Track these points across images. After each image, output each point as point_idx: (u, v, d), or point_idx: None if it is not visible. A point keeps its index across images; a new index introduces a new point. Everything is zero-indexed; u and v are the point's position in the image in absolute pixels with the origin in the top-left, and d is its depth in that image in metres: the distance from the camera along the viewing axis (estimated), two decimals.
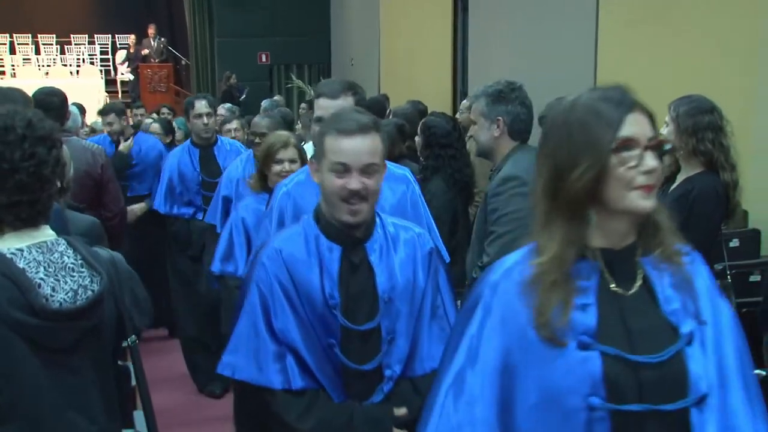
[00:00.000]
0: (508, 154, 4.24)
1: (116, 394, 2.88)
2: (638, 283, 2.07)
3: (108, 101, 19.85)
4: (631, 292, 2.06)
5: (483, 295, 2.11)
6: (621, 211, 2.00)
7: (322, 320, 2.93)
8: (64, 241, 2.62)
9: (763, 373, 4.06)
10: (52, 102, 5.89)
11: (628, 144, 1.96)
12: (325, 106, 3.69)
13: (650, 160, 1.97)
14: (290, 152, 4.89)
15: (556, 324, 1.97)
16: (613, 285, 2.05)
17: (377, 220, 3.09)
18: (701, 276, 2.15)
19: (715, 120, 4.38)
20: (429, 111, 7.63)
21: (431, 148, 5.92)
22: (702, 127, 4.36)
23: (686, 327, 2.04)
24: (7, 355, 2.47)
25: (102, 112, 8.97)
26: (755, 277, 4.86)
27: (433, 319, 3.10)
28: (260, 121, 6.47)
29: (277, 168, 4.84)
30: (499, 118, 4.21)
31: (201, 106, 6.86)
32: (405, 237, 3.10)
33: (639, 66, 8.16)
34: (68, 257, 2.60)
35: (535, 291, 2.02)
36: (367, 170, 2.87)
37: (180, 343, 7.24)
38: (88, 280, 2.61)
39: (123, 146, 7.95)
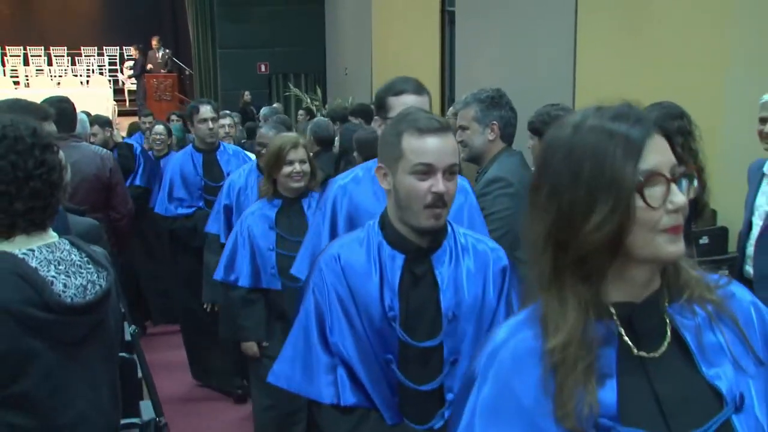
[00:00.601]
0: (494, 156, 4.24)
1: (119, 385, 2.88)
2: (667, 340, 1.58)
3: (116, 109, 19.96)
4: (659, 353, 1.57)
5: (477, 371, 1.62)
6: (645, 260, 1.53)
7: (380, 334, 2.59)
8: (66, 241, 2.63)
9: None
10: (66, 109, 5.90)
11: (653, 178, 1.48)
12: (411, 102, 3.19)
13: (678, 196, 1.50)
14: (300, 153, 4.59)
15: (582, 413, 1.48)
16: (635, 349, 1.56)
17: (449, 229, 2.69)
18: (743, 307, 1.66)
19: (685, 125, 4.39)
20: None
21: None
22: (673, 131, 4.37)
23: (732, 387, 1.56)
24: (24, 350, 2.47)
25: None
26: (723, 272, 4.86)
27: None
28: (267, 132, 5.95)
29: (287, 169, 4.54)
30: (494, 122, 4.21)
31: (206, 111, 6.56)
32: (477, 250, 2.70)
33: (614, 75, 8.20)
34: (74, 255, 2.61)
35: (550, 375, 1.52)
36: (450, 171, 2.51)
37: (183, 340, 7.03)
38: (95, 275, 2.63)
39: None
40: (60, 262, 2.56)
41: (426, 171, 2.48)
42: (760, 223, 4.30)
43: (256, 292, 4.69)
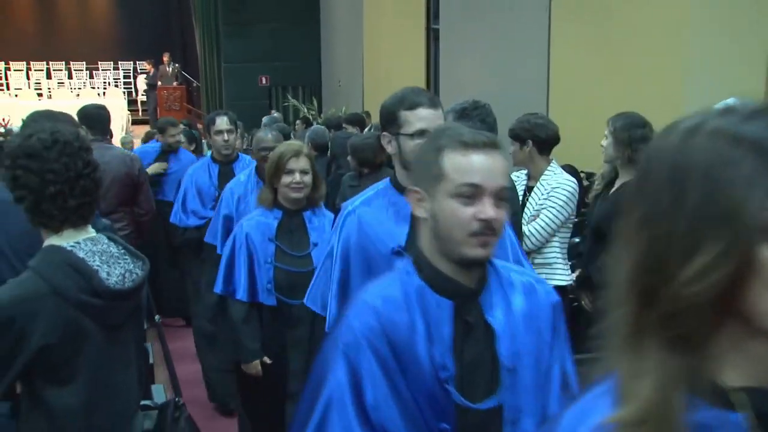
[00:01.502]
0: None
1: (144, 366, 2.97)
2: None
3: (130, 118, 20.05)
4: None
5: None
6: None
7: (431, 399, 1.96)
8: (104, 236, 2.69)
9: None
10: (101, 114, 6.10)
11: None
12: (428, 117, 2.71)
13: None
14: (302, 162, 4.03)
15: None
16: None
17: (487, 265, 2.07)
18: None
19: (647, 133, 4.40)
20: None
21: None
22: (636, 139, 4.38)
23: None
24: (80, 331, 2.54)
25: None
26: None
27: (564, 392, 2.07)
28: (265, 135, 5.44)
29: (287, 179, 4.01)
30: None
31: (222, 122, 6.10)
32: (522, 285, 2.10)
33: (583, 87, 8.22)
34: (113, 248, 2.68)
35: None
36: (500, 195, 1.94)
37: (194, 342, 6.53)
38: (132, 265, 2.69)
39: (157, 166, 7.67)
40: (102, 253, 2.61)
41: (472, 194, 1.93)
42: None
43: (252, 307, 4.13)
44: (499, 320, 2.01)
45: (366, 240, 2.74)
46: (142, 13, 24.00)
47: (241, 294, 4.06)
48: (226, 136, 6.13)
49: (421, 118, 2.71)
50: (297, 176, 4.00)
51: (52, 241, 2.56)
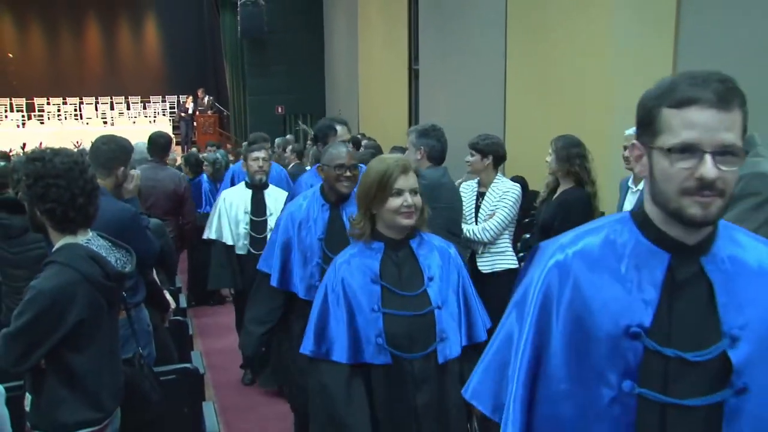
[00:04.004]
0: (422, 170, 4.17)
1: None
2: None
3: (174, 140, 20.17)
4: None
5: None
6: None
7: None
8: (96, 233, 2.70)
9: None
10: (160, 141, 6.16)
11: None
12: (704, 123, 1.34)
13: None
14: (412, 180, 2.52)
15: None
16: None
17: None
18: None
19: (582, 151, 4.44)
20: (393, 146, 7.64)
21: None
22: (573, 155, 4.41)
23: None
24: (99, 308, 2.57)
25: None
26: None
27: None
28: (340, 151, 3.49)
29: (395, 202, 2.47)
30: (422, 147, 4.19)
31: (342, 130, 4.44)
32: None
33: (533, 115, 8.25)
34: (103, 242, 2.70)
35: None
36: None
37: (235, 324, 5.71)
38: (119, 254, 2.72)
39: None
40: (101, 247, 2.64)
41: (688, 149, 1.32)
42: None
43: (355, 371, 2.44)
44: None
45: (584, 310, 1.46)
46: (182, 57, 23.99)
47: (340, 354, 2.44)
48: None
49: (692, 122, 1.34)
50: (408, 198, 2.48)
51: (67, 240, 2.57)
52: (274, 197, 5.28)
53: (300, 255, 3.43)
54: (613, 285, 1.44)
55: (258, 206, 5.27)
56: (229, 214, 5.28)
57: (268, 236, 4.92)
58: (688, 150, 1.33)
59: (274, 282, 3.43)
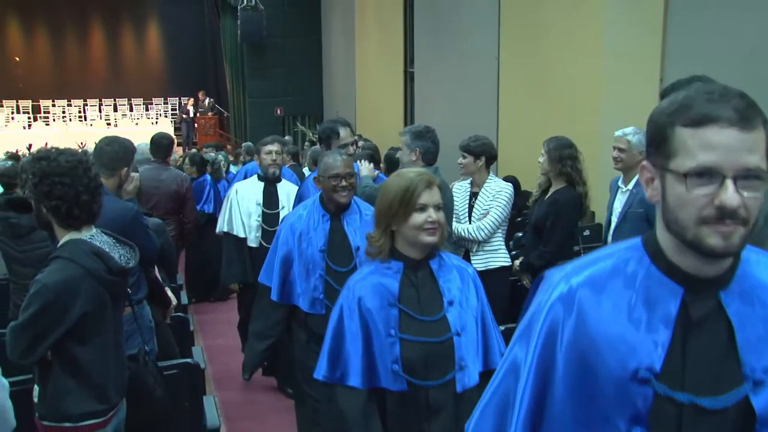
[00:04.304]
0: None
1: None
2: None
3: (176, 141, 20.13)
4: None
5: None
6: None
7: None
8: (99, 230, 2.70)
9: None
10: (163, 143, 6.13)
11: None
12: (725, 144, 1.13)
13: None
14: (436, 194, 2.28)
15: None
16: None
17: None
18: None
19: (573, 152, 4.44)
20: (389, 147, 7.64)
21: (390, 171, 5.90)
22: (565, 156, 4.41)
23: None
24: (102, 302, 2.57)
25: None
26: None
27: None
28: (335, 160, 3.30)
29: (419, 218, 2.23)
30: (417, 148, 4.15)
31: (345, 133, 4.43)
32: None
33: (525, 116, 8.26)
34: (107, 238, 2.69)
35: None
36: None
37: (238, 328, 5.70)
38: (123, 250, 2.71)
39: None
40: (104, 243, 2.64)
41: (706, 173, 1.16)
42: (617, 220, 4.37)
43: (371, 396, 2.25)
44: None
45: (589, 348, 1.28)
46: (183, 60, 23.99)
47: (355, 379, 2.24)
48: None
49: (712, 144, 1.16)
50: (432, 213, 2.23)
51: (72, 236, 2.57)
52: (287, 191, 5.18)
53: (302, 267, 3.28)
54: (621, 321, 1.25)
55: (270, 199, 5.16)
56: (240, 207, 5.14)
57: None
58: (707, 174, 1.15)
59: (274, 296, 3.32)
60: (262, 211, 5.10)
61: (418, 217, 2.22)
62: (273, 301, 3.33)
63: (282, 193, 5.18)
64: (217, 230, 5.31)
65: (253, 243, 5.11)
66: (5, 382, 2.28)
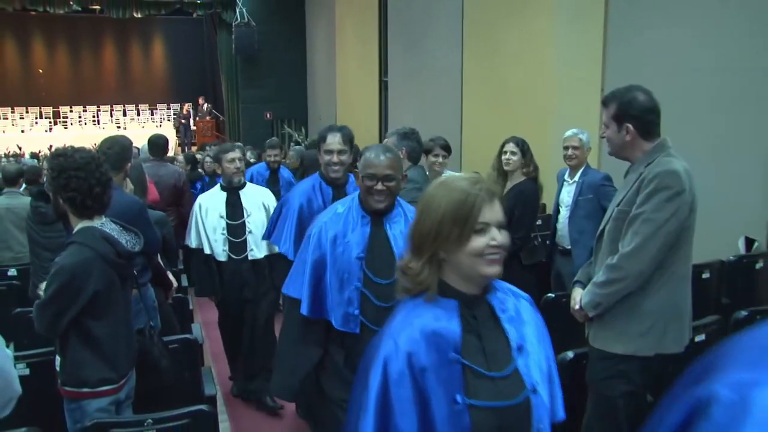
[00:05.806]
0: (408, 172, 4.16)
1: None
2: None
3: (177, 143, 20.10)
4: None
5: None
6: None
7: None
8: (108, 219, 2.68)
9: (571, 355, 2.83)
10: (160, 143, 6.09)
11: None
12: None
13: None
14: (498, 211, 1.45)
15: None
16: None
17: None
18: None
19: (526, 149, 4.46)
20: (364, 146, 7.58)
21: None
22: (528, 152, 4.45)
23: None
24: (112, 282, 2.57)
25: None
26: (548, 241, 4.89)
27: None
28: (375, 155, 2.46)
29: (479, 242, 1.42)
30: (403, 148, 4.02)
31: (333, 140, 3.47)
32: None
33: (484, 120, 8.27)
34: (115, 226, 2.68)
35: None
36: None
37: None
38: (129, 236, 2.70)
39: None
40: (113, 230, 2.63)
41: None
42: (566, 210, 4.39)
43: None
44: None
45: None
46: (185, 71, 23.91)
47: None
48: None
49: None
50: (496, 235, 1.44)
51: (85, 224, 2.57)
52: (250, 195, 4.39)
53: (335, 277, 2.39)
54: None
55: (234, 209, 4.33)
56: (205, 222, 4.32)
57: (248, 239, 4.27)
58: None
59: (304, 310, 2.39)
60: (227, 223, 4.29)
61: (478, 241, 1.43)
62: (303, 316, 2.40)
63: (246, 200, 4.35)
64: (185, 243, 4.44)
65: (221, 257, 4.30)
66: (9, 352, 2.25)
